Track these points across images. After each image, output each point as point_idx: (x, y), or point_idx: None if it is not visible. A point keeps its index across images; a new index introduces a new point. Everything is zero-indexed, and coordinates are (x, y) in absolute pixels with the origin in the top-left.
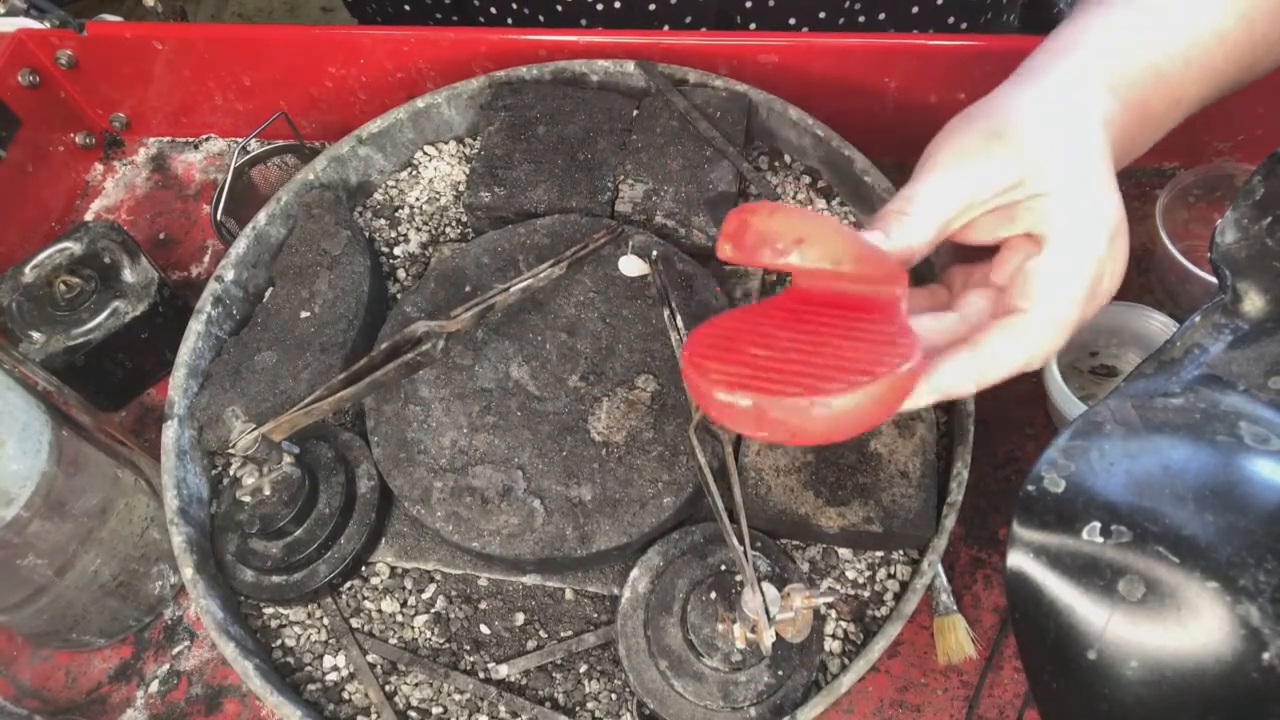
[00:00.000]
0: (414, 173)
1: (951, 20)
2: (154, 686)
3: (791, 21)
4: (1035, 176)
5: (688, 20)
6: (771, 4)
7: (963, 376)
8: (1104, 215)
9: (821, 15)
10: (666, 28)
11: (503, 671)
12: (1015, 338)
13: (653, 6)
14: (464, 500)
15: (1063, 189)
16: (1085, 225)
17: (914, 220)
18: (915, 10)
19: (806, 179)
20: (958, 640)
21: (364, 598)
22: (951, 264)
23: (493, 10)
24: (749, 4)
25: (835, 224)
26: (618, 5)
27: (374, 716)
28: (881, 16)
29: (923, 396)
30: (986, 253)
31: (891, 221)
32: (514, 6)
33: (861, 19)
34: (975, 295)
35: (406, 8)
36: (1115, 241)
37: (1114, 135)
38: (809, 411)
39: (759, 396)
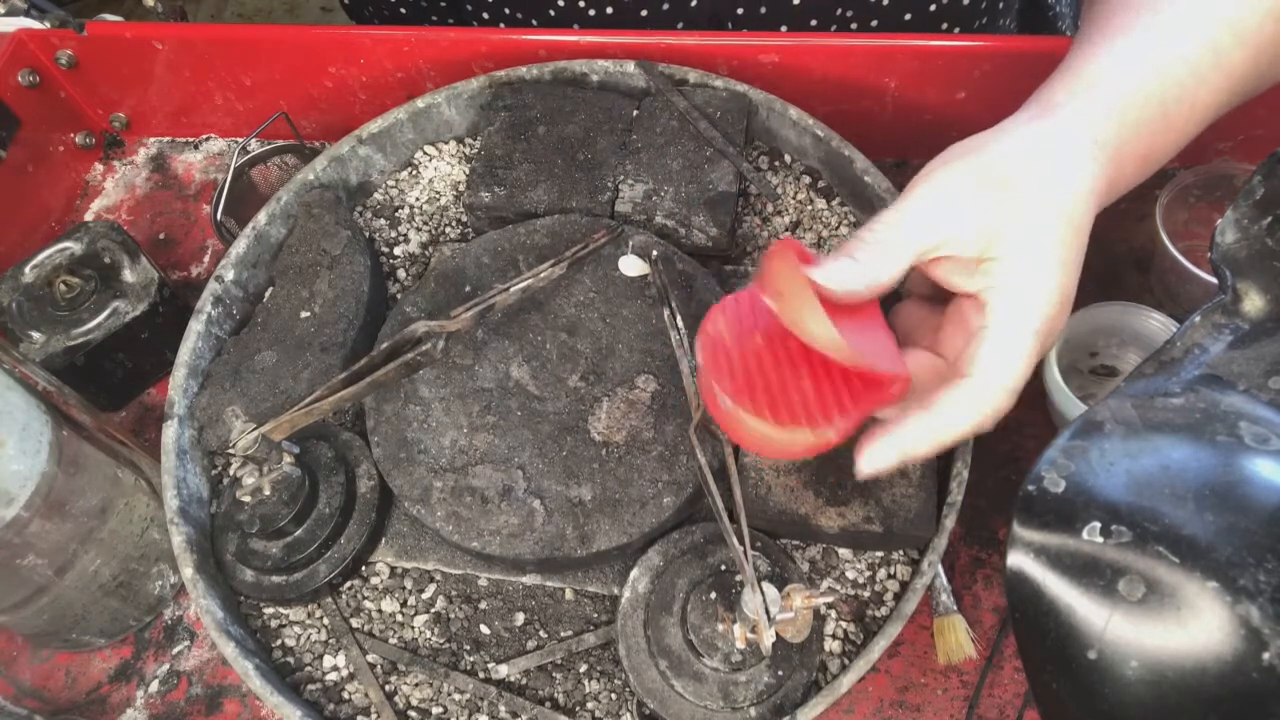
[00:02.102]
0: (414, 173)
1: (945, 27)
2: (154, 686)
3: (783, 29)
4: (996, 240)
5: (679, 27)
6: (763, 11)
7: (921, 440)
8: (1048, 293)
9: (813, 23)
10: None
11: (503, 671)
12: (964, 403)
13: (644, 13)
14: (464, 500)
15: (1014, 263)
16: (1027, 303)
17: (882, 250)
18: (908, 18)
19: (806, 179)
20: (958, 640)
21: (364, 598)
22: (906, 299)
23: (485, 16)
24: (740, 11)
25: (810, 302)
26: (610, 11)
27: (374, 716)
28: (874, 23)
29: (890, 458)
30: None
31: (858, 250)
32: (507, 12)
33: (854, 26)
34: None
35: (403, 11)
36: (1056, 315)
37: (1103, 190)
38: (726, 403)
39: (713, 367)
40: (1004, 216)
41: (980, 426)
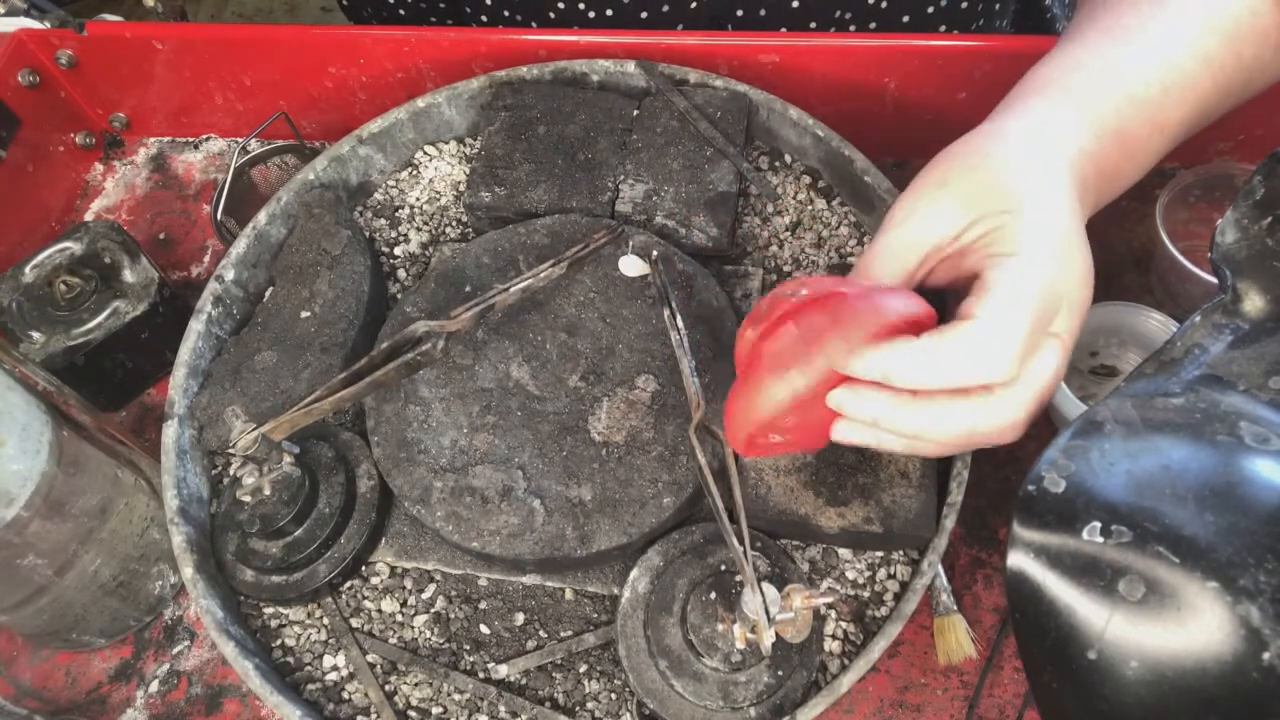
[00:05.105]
0: (414, 173)
1: (943, 29)
2: (154, 686)
3: (783, 31)
4: (983, 219)
5: (679, 29)
6: (763, 14)
7: (900, 364)
8: (1048, 236)
9: (812, 25)
10: None
11: (503, 671)
12: (961, 338)
13: (644, 15)
14: (464, 500)
15: (1010, 219)
16: (1029, 244)
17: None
18: (906, 19)
19: (807, 179)
20: (958, 640)
21: (364, 598)
22: None
23: (484, 19)
24: (740, 13)
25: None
26: (609, 14)
27: (374, 716)
28: (873, 26)
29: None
30: None
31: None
32: (506, 14)
33: (852, 28)
34: None
35: (401, 12)
36: (1064, 260)
37: (1087, 166)
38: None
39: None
40: (982, 201)
41: (979, 371)
